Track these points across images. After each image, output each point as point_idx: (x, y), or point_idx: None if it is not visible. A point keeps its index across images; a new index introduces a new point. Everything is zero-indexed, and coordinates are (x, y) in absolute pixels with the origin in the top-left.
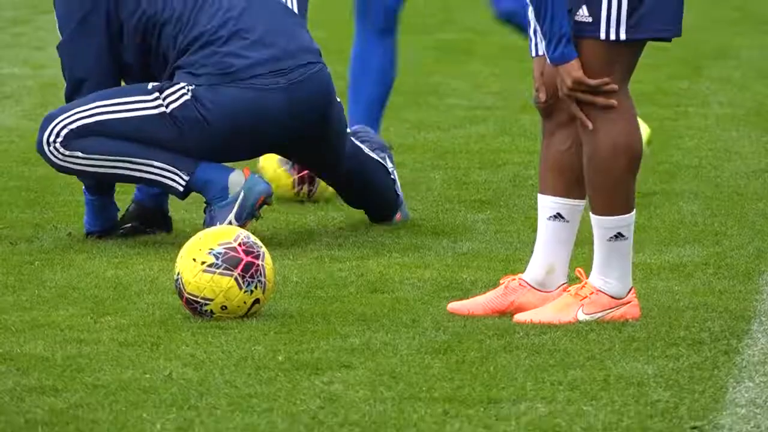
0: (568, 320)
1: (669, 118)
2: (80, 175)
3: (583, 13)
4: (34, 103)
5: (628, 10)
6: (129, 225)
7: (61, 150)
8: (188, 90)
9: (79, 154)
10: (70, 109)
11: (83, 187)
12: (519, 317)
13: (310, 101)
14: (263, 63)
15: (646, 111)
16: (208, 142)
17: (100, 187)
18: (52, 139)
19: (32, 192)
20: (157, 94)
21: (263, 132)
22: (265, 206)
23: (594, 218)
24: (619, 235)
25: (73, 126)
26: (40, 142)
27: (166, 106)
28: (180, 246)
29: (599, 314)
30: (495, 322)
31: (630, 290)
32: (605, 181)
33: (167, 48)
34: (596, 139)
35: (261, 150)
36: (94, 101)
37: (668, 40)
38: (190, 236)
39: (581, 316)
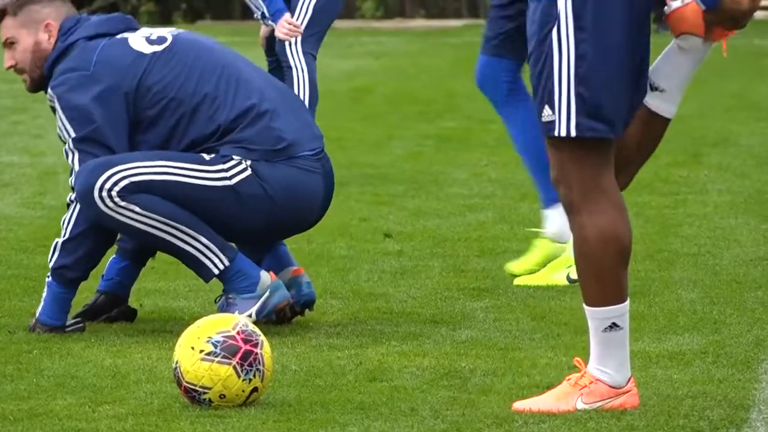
0: (567, 409)
1: (668, 206)
2: (124, 230)
3: (548, 113)
4: (32, 191)
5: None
6: (80, 323)
7: (116, 199)
8: (247, 165)
9: (136, 208)
10: (131, 162)
11: (50, 279)
12: (518, 405)
13: (331, 189)
14: (303, 143)
15: (645, 199)
16: (265, 219)
17: (126, 252)
18: (108, 186)
19: (30, 280)
20: (220, 165)
21: (304, 214)
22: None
23: (587, 310)
24: (613, 326)
25: (137, 179)
26: (89, 187)
27: (230, 179)
28: (178, 334)
29: (598, 403)
30: (494, 410)
31: (629, 379)
32: (595, 271)
33: (203, 128)
34: (584, 230)
35: (289, 233)
36: (159, 159)
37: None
38: (189, 324)
39: (580, 405)
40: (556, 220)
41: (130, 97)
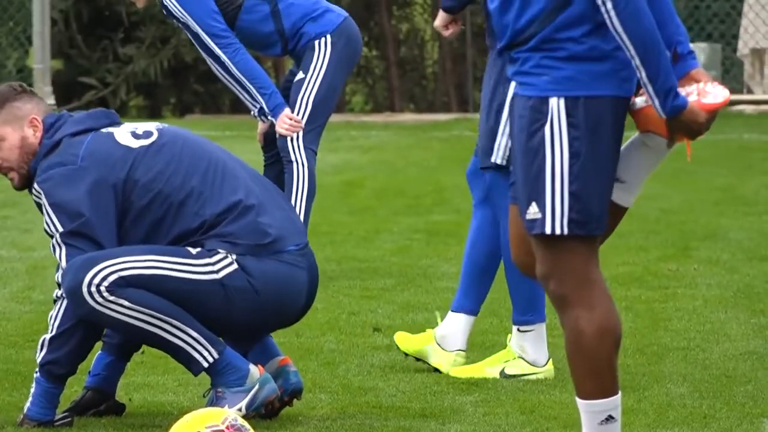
0: None
1: (657, 300)
2: (114, 325)
3: (533, 210)
4: (21, 286)
5: (569, 205)
6: (68, 418)
7: (105, 294)
8: (233, 259)
9: (125, 302)
10: (119, 256)
11: (38, 375)
12: None
13: (316, 283)
14: (288, 238)
15: (634, 293)
16: (251, 313)
17: (111, 347)
18: (96, 281)
19: (19, 375)
20: (207, 259)
21: (289, 308)
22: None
23: (583, 404)
24: (609, 418)
25: (126, 273)
26: (78, 283)
27: (217, 272)
28: (167, 429)
29: None
30: None
31: None
32: (592, 364)
33: (189, 222)
34: (580, 323)
35: (275, 326)
36: (147, 254)
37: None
38: (178, 419)
39: None
40: (453, 326)
41: (118, 190)
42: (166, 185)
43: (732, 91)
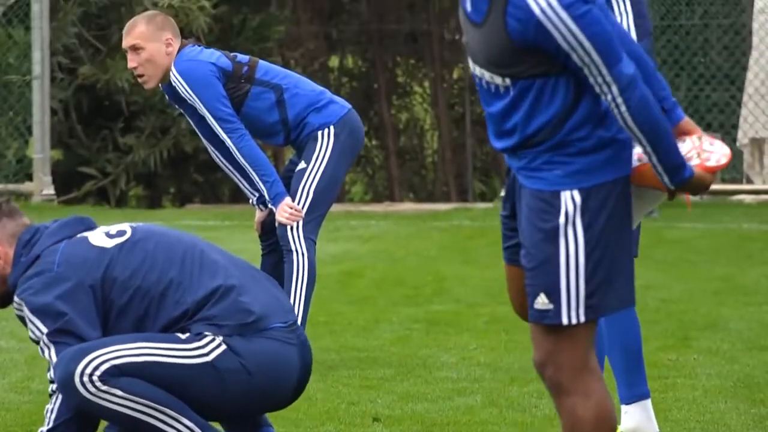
0: None
1: (657, 390)
2: (107, 414)
3: (542, 300)
4: (20, 376)
5: (586, 293)
6: None
7: (98, 384)
8: (220, 341)
9: (118, 392)
10: (110, 345)
11: None
12: None
13: (309, 360)
14: (273, 315)
15: None
16: (245, 393)
17: None
18: (89, 371)
19: None
20: (196, 343)
21: (283, 385)
22: None
23: None
24: None
25: (118, 362)
26: (70, 374)
27: (207, 355)
28: None
29: None
30: None
31: None
32: None
33: (171, 312)
34: (577, 411)
35: (270, 406)
36: (137, 341)
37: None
38: None
39: None
40: (635, 416)
41: (97, 291)
42: (144, 281)
43: (731, 181)
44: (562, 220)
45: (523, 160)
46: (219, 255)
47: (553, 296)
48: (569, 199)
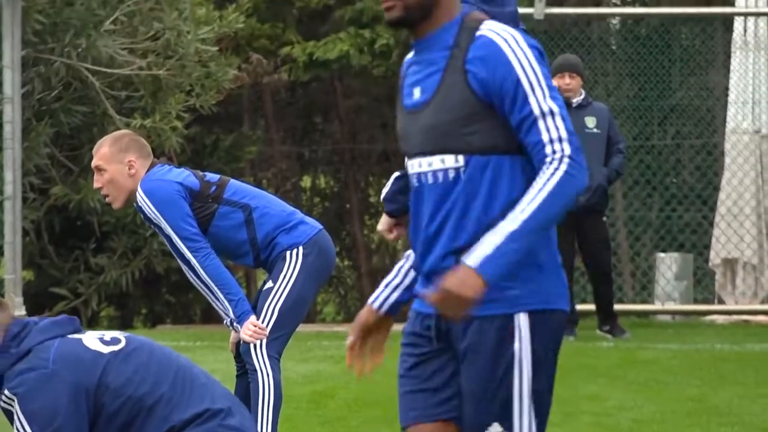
0: None
1: None
2: None
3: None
4: None
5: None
6: None
7: None
8: None
9: None
10: None
11: None
12: None
13: None
14: None
15: None
16: None
17: None
18: None
19: None
20: None
21: None
22: None
23: None
24: None
25: None
26: None
27: None
28: None
29: None
30: None
31: None
32: None
33: (157, 427)
34: None
35: None
36: None
37: None
38: None
39: None
40: None
41: (90, 395)
42: (137, 390)
43: (704, 302)
44: (517, 347)
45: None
46: (205, 377)
47: (506, 425)
48: (525, 324)
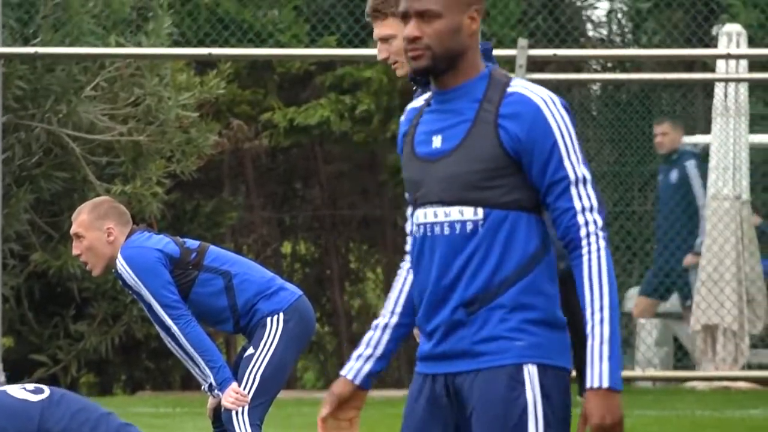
0: None
1: None
2: None
3: None
4: None
5: None
6: None
7: None
8: None
9: None
10: None
11: None
12: None
13: None
14: None
15: None
16: None
17: None
18: None
19: None
20: None
21: None
22: None
23: None
24: None
25: None
26: None
27: None
28: None
29: None
30: None
31: None
32: None
33: None
34: None
35: None
36: None
37: None
38: None
39: None
40: None
41: None
42: (81, 429)
43: (684, 368)
44: (529, 396)
45: (472, 327)
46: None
47: None
48: (534, 375)
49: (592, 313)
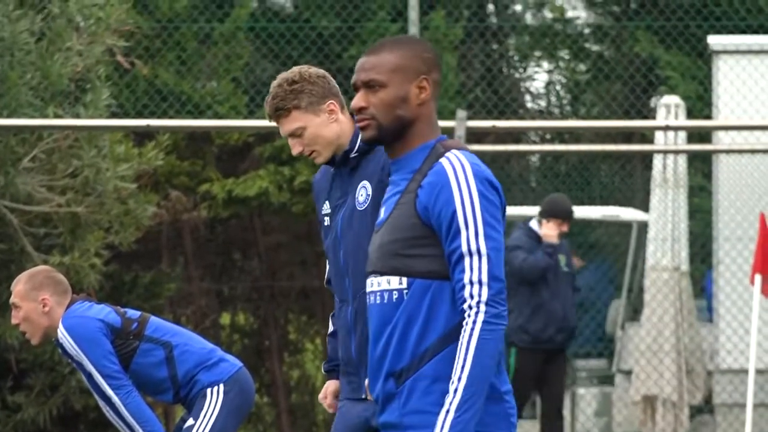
0: None
1: None
2: None
3: None
4: None
5: None
6: None
7: None
8: None
9: None
10: None
11: None
12: None
13: None
14: None
15: None
16: None
17: None
18: None
19: None
20: None
21: None
22: None
23: None
24: None
25: None
26: None
27: None
28: None
29: None
30: None
31: None
32: None
33: None
34: None
35: None
36: None
37: None
38: None
39: None
40: None
41: None
42: None
43: None
44: None
45: (400, 399)
46: None
47: None
48: None
49: (450, 383)
